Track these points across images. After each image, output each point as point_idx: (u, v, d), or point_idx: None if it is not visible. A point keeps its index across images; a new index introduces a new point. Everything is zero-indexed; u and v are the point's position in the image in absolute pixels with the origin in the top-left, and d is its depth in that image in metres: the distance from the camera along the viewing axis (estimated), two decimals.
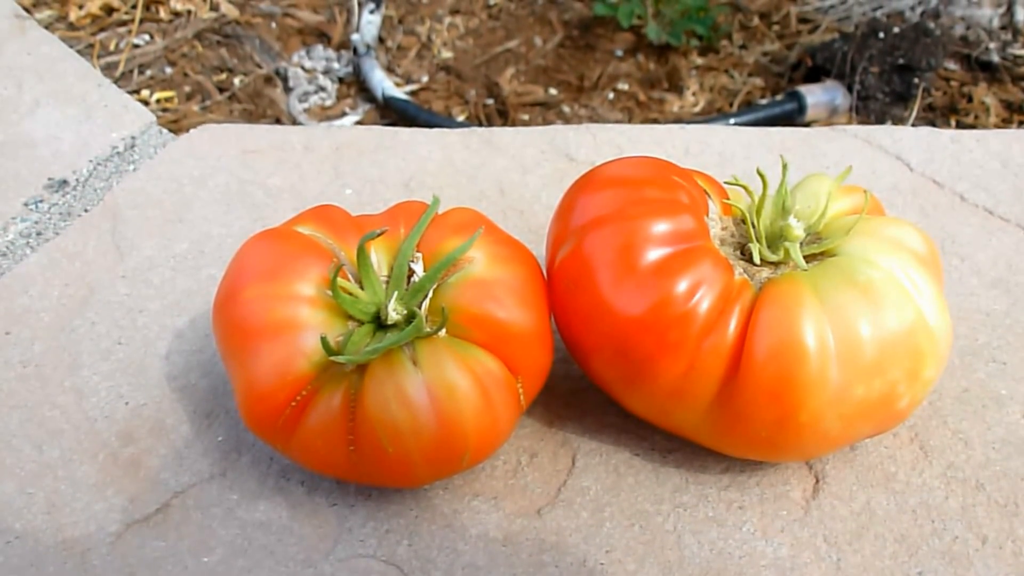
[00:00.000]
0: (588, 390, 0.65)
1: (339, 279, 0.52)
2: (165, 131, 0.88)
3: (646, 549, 0.57)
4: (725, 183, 0.59)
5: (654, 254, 0.53)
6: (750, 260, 0.55)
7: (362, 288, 0.54)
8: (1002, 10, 1.34)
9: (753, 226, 0.56)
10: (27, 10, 1.22)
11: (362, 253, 0.53)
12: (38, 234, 0.78)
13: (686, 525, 0.59)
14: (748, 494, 0.60)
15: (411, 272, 0.55)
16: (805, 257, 0.55)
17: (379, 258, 0.56)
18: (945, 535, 0.58)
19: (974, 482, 0.60)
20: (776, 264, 0.55)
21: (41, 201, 0.80)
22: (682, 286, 0.52)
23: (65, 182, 0.82)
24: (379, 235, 0.53)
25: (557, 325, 0.59)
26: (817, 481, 0.60)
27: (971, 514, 0.59)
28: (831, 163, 0.82)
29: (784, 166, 0.57)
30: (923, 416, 0.63)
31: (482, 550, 0.58)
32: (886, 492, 0.60)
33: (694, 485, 0.60)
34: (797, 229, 0.54)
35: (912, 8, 1.36)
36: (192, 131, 0.87)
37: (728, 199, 0.58)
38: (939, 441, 0.62)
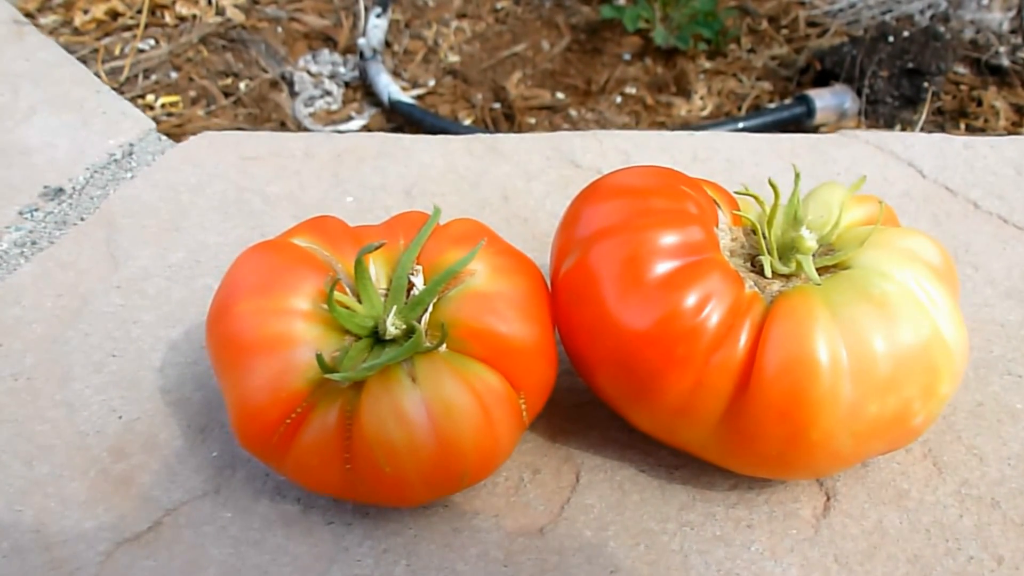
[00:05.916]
0: (593, 404, 0.63)
1: (336, 293, 0.51)
2: (164, 138, 0.87)
3: (651, 569, 0.56)
4: (735, 192, 0.58)
5: (661, 267, 0.52)
6: (761, 272, 0.54)
7: (360, 302, 0.53)
8: (1012, 14, 1.33)
9: (764, 237, 0.55)
10: (31, 15, 1.22)
11: (360, 266, 0.52)
12: (32, 243, 0.76)
13: (692, 544, 0.57)
14: (757, 512, 0.58)
15: (411, 285, 0.54)
16: (818, 269, 0.54)
17: (378, 271, 0.55)
18: (959, 555, 0.56)
19: (989, 500, 0.59)
20: (788, 277, 0.54)
21: (36, 210, 0.79)
22: (690, 300, 0.51)
23: (61, 190, 0.80)
24: (377, 248, 0.51)
25: (561, 338, 0.57)
26: (828, 498, 0.59)
27: (986, 533, 0.57)
28: (842, 169, 0.80)
29: (796, 175, 0.55)
30: (937, 431, 0.62)
31: (482, 570, 0.56)
32: (898, 510, 0.58)
33: (701, 503, 0.59)
34: (810, 241, 0.53)
35: (921, 12, 1.35)
36: (191, 138, 0.85)
37: (738, 209, 0.57)
38: (953, 457, 0.61)
